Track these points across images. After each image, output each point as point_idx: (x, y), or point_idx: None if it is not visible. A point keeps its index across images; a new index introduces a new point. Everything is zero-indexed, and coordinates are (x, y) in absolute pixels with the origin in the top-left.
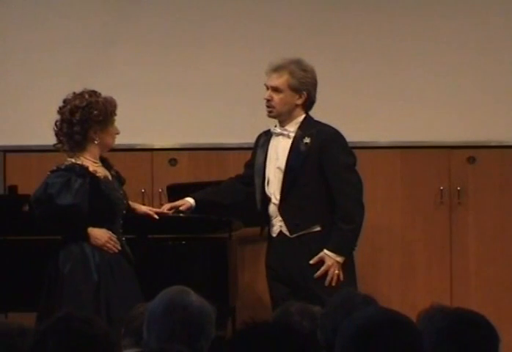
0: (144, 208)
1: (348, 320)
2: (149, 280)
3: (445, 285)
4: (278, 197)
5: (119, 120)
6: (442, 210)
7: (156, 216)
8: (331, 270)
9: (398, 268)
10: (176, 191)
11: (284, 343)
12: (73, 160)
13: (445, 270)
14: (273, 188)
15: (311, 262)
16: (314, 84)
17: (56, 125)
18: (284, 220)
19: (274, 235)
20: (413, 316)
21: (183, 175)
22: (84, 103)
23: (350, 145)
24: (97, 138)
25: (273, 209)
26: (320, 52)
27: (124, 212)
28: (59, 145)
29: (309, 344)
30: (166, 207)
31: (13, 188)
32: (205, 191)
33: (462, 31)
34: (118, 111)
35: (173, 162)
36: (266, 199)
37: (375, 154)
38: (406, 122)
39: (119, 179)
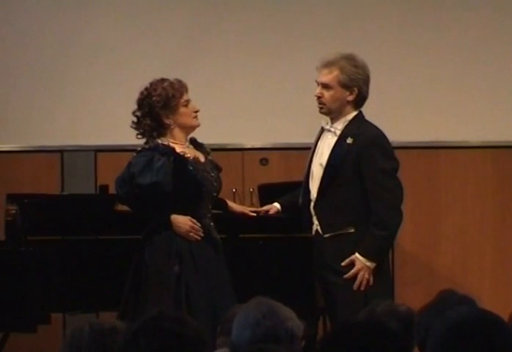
0: (240, 208)
1: (439, 319)
2: (239, 279)
3: None
4: (315, 195)
5: (210, 120)
6: None
7: (253, 214)
8: (361, 273)
9: (489, 267)
10: (267, 191)
11: (379, 343)
12: (159, 141)
13: None
14: (314, 185)
15: (342, 264)
16: (365, 80)
17: (133, 120)
18: (318, 218)
19: (313, 233)
20: (505, 316)
21: (273, 175)
22: (145, 94)
23: (442, 145)
24: (172, 122)
25: (311, 206)
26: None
27: (214, 194)
28: (139, 136)
29: (401, 344)
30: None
31: (104, 188)
32: (290, 195)
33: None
34: (209, 111)
35: (264, 161)
36: (308, 195)
37: (466, 153)
38: (497, 122)
39: (215, 165)
